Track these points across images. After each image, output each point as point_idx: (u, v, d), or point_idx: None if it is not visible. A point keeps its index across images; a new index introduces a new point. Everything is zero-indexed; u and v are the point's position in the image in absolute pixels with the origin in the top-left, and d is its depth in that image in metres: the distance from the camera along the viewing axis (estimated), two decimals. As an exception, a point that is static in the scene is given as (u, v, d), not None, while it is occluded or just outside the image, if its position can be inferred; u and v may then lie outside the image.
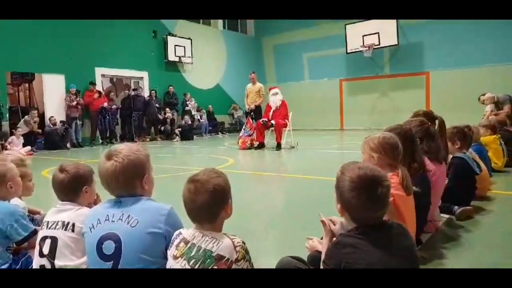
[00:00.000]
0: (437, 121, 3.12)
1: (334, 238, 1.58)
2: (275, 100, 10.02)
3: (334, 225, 1.81)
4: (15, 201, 2.26)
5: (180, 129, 14.52)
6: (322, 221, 1.80)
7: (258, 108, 10.74)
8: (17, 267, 1.98)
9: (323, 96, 18.07)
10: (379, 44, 15.89)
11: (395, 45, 15.74)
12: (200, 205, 1.50)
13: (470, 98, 11.51)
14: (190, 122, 14.91)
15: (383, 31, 15.61)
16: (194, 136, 14.76)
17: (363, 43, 16.11)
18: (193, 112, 15.82)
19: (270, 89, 10.62)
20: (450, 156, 3.56)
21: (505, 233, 3.02)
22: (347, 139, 12.77)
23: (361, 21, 15.94)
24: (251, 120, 10.51)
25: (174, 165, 7.47)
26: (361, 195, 1.45)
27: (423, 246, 2.65)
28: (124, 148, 1.70)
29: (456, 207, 3.31)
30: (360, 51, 16.28)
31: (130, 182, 1.67)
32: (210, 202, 1.50)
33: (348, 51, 16.81)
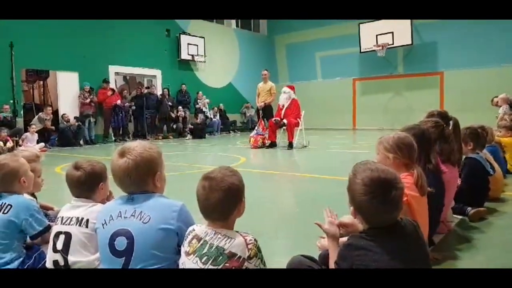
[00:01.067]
0: (451, 122, 3.09)
1: (347, 238, 1.56)
2: (282, 99, 10.01)
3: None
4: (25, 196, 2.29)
5: (192, 127, 14.57)
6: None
7: (268, 107, 10.70)
8: (30, 261, 2.00)
9: (335, 95, 17.98)
10: (393, 44, 15.75)
11: (409, 44, 15.57)
12: (213, 202, 1.50)
13: (485, 98, 11.35)
14: (202, 119, 14.96)
15: (397, 31, 15.47)
16: (206, 135, 14.81)
17: (377, 43, 15.98)
18: (204, 110, 15.84)
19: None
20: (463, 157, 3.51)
21: (519, 235, 2.97)
22: (360, 139, 12.68)
23: (375, 20, 15.80)
24: (263, 121, 10.50)
25: (186, 163, 7.50)
26: (374, 199, 1.41)
27: (435, 247, 2.63)
28: (137, 146, 1.71)
29: (469, 208, 3.27)
30: (374, 50, 16.15)
31: (142, 179, 1.68)
32: (223, 200, 1.50)
33: (362, 51, 16.71)
